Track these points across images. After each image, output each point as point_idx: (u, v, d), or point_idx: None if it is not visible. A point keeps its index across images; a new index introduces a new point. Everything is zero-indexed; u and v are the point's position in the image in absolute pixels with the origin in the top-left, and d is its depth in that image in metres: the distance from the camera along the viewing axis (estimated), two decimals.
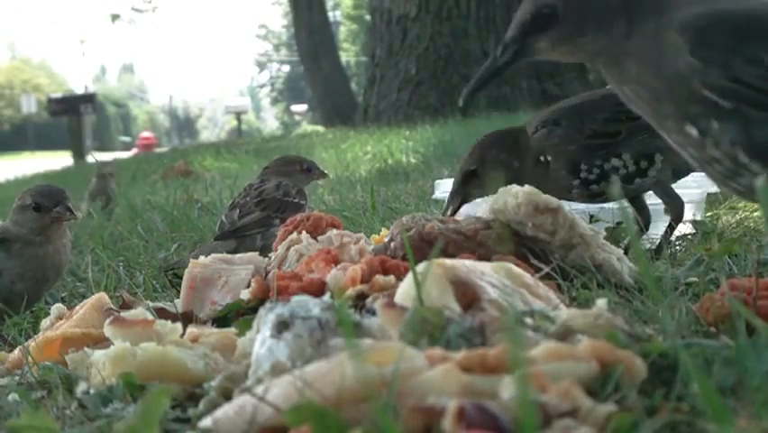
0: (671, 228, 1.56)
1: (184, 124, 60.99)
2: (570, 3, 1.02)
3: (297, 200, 1.87)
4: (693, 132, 0.97)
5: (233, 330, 1.09)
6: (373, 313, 0.94)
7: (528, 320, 0.87)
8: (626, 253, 1.31)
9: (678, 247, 1.61)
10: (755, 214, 1.84)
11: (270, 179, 1.94)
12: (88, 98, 16.47)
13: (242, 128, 27.02)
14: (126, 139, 45.94)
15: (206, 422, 0.78)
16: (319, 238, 1.36)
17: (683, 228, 1.65)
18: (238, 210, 1.88)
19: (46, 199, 1.47)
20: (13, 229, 1.49)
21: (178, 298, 1.36)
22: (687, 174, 1.57)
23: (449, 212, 1.60)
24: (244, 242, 1.82)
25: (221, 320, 1.23)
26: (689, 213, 1.66)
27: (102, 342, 1.12)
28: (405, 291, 0.97)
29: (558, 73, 8.52)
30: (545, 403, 0.69)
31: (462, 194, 1.60)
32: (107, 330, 1.08)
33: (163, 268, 1.83)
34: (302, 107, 37.92)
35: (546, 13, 1.03)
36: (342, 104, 12.72)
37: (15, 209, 1.50)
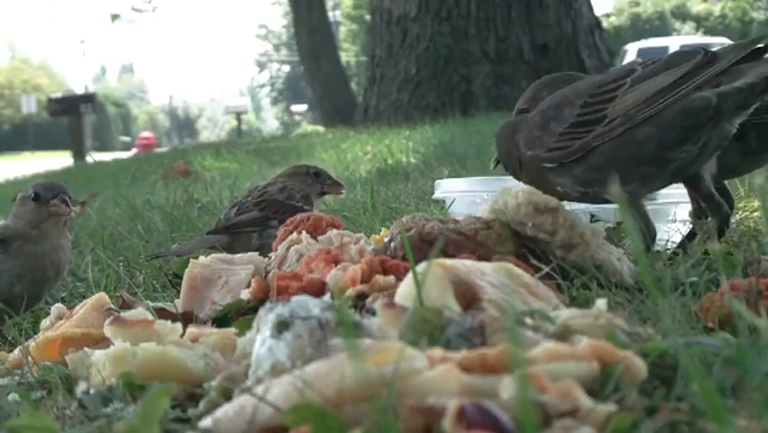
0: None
1: (184, 124, 61.02)
2: (503, 158, 1.64)
3: (300, 204, 1.85)
4: (559, 189, 1.48)
5: (233, 330, 1.09)
6: (373, 313, 0.93)
7: (528, 320, 0.87)
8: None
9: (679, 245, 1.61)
10: (755, 214, 1.85)
11: (277, 182, 1.94)
12: (88, 98, 16.47)
13: (242, 128, 27.05)
14: (126, 139, 45.97)
15: (206, 422, 0.78)
16: (319, 238, 1.36)
17: (684, 228, 1.65)
18: (236, 208, 1.88)
19: (45, 191, 1.49)
20: (12, 225, 1.49)
21: (178, 298, 1.36)
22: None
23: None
24: (238, 239, 1.81)
25: (221, 320, 1.23)
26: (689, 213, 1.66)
27: (102, 342, 1.12)
28: (405, 291, 0.97)
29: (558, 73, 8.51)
30: (545, 403, 0.69)
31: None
32: (107, 330, 1.08)
33: (148, 257, 1.84)
34: (302, 107, 37.95)
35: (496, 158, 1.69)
36: (342, 104, 12.72)
37: (17, 202, 1.51)
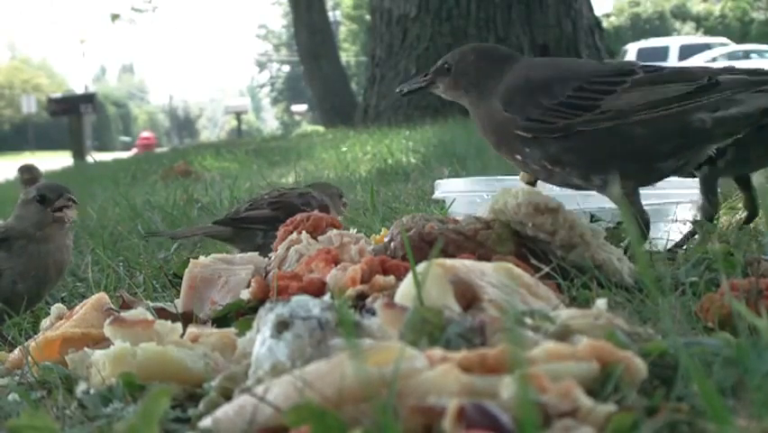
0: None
1: (184, 124, 61.02)
2: (457, 67, 1.58)
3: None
4: (518, 157, 1.50)
5: (233, 330, 1.09)
6: (373, 313, 0.93)
7: (528, 320, 0.87)
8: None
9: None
10: None
11: (298, 189, 1.93)
12: (88, 98, 16.48)
13: (242, 128, 27.05)
14: (126, 139, 46.00)
15: (206, 422, 0.78)
16: (319, 238, 1.36)
17: (684, 228, 1.65)
18: (250, 203, 1.87)
19: (50, 192, 1.49)
20: (16, 225, 1.49)
21: (178, 298, 1.36)
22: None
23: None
24: (242, 234, 1.80)
25: (221, 320, 1.23)
26: (689, 213, 1.66)
27: (102, 342, 1.12)
28: (405, 291, 0.97)
29: None
30: (545, 403, 0.69)
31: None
32: (107, 330, 1.08)
33: (148, 235, 1.79)
34: (302, 107, 37.96)
35: (445, 67, 1.60)
36: (343, 104, 12.72)
37: (19, 204, 1.51)
